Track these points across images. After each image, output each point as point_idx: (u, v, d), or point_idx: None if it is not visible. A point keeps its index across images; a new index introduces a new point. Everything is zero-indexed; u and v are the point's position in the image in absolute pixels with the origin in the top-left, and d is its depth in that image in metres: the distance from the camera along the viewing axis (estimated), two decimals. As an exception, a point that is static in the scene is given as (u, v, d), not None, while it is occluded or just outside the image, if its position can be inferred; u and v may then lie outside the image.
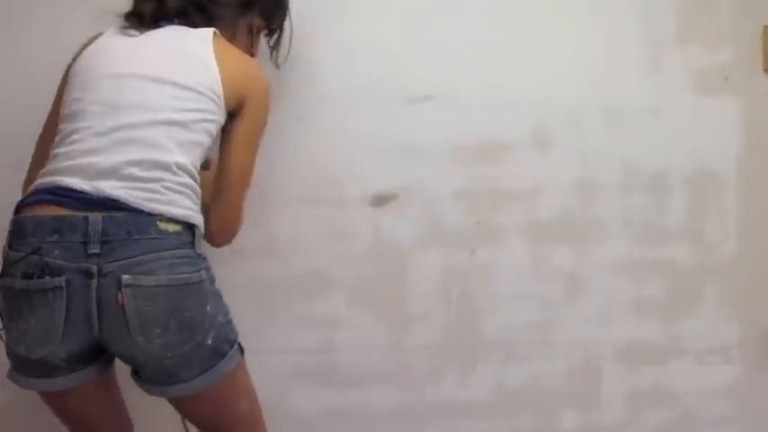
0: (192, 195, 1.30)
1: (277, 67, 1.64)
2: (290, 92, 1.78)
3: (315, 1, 1.77)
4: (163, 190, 1.25)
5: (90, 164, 1.24)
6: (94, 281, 1.19)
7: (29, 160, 1.45)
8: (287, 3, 1.61)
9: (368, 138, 1.79)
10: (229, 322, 1.32)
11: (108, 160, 1.24)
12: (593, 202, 1.82)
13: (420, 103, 1.80)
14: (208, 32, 1.38)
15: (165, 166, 1.25)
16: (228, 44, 1.42)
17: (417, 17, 1.80)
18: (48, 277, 1.19)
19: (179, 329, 1.22)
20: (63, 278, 1.19)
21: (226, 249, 1.75)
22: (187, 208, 1.27)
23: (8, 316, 1.23)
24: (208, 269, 1.30)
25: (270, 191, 1.77)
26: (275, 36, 1.62)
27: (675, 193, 1.84)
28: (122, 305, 1.19)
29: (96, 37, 1.41)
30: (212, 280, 1.31)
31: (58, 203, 1.22)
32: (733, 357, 1.86)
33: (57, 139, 1.32)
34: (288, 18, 1.62)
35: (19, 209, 1.27)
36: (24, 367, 1.27)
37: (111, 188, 1.22)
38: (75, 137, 1.28)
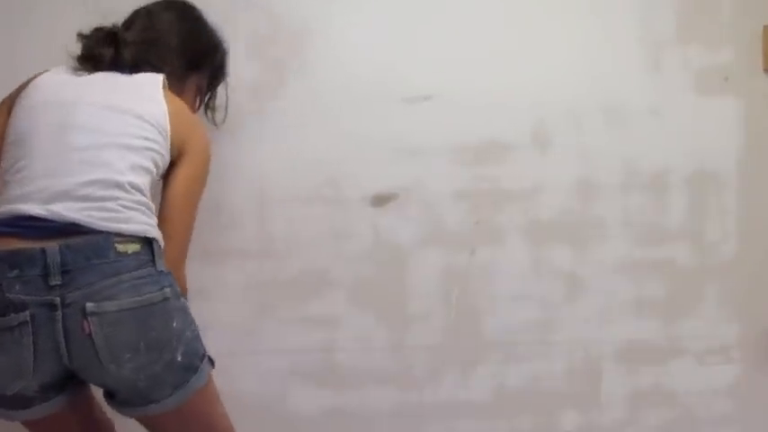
0: (147, 211, 1.30)
1: (215, 125, 1.64)
2: (290, 92, 1.78)
3: (316, 0, 1.78)
4: (119, 208, 1.25)
5: (44, 187, 1.24)
6: (59, 312, 1.19)
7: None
8: (227, 67, 1.63)
9: (368, 138, 1.79)
10: (197, 337, 1.31)
11: (62, 182, 1.24)
12: (593, 202, 1.82)
13: (420, 103, 1.80)
14: (159, 76, 1.40)
15: (118, 185, 1.26)
16: (174, 96, 1.42)
17: (419, 17, 1.80)
18: (12, 314, 1.18)
19: (147, 350, 1.22)
20: (27, 313, 1.18)
21: (226, 249, 1.76)
22: (144, 223, 1.27)
23: None
24: (171, 285, 1.28)
25: (271, 191, 1.78)
26: (208, 96, 1.62)
27: (675, 193, 1.84)
28: (89, 334, 1.19)
29: (43, 72, 1.40)
30: (177, 296, 1.29)
31: (16, 235, 1.22)
32: (733, 357, 1.86)
33: (5, 165, 1.31)
34: (225, 81, 1.64)
35: None
36: (1, 401, 1.27)
37: (67, 210, 1.22)
38: (24, 162, 1.27)
